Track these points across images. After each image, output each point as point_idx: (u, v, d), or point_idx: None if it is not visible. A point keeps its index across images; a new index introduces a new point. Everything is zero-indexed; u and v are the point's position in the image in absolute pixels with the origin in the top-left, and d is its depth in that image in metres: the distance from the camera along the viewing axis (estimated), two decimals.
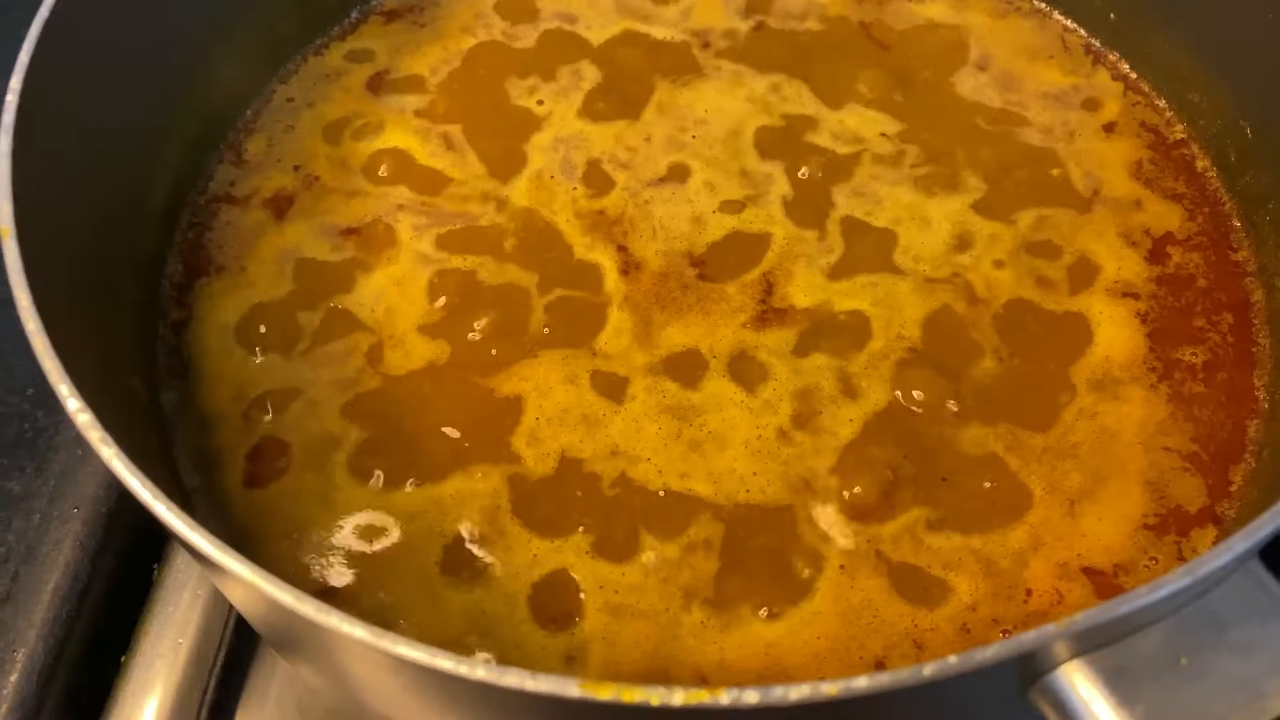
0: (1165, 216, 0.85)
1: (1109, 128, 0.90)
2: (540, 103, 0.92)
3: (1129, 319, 0.80)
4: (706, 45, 0.96)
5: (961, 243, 0.83)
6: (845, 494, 0.72)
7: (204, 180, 0.89)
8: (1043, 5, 0.97)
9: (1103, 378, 0.77)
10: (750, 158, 0.89)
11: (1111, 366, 0.78)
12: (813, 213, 0.85)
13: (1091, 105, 0.91)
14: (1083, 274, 0.82)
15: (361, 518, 0.73)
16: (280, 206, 0.87)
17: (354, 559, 0.71)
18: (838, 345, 0.79)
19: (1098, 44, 0.95)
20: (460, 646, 0.68)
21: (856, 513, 0.72)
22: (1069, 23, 0.96)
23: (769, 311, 0.81)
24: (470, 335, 0.79)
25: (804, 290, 0.82)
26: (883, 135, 0.89)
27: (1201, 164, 0.88)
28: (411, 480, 0.73)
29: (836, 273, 0.82)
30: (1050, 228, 0.84)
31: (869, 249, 0.83)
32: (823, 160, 0.87)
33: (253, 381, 0.78)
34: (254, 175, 0.89)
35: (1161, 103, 0.91)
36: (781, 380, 0.77)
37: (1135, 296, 0.81)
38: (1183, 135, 0.89)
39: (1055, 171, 0.87)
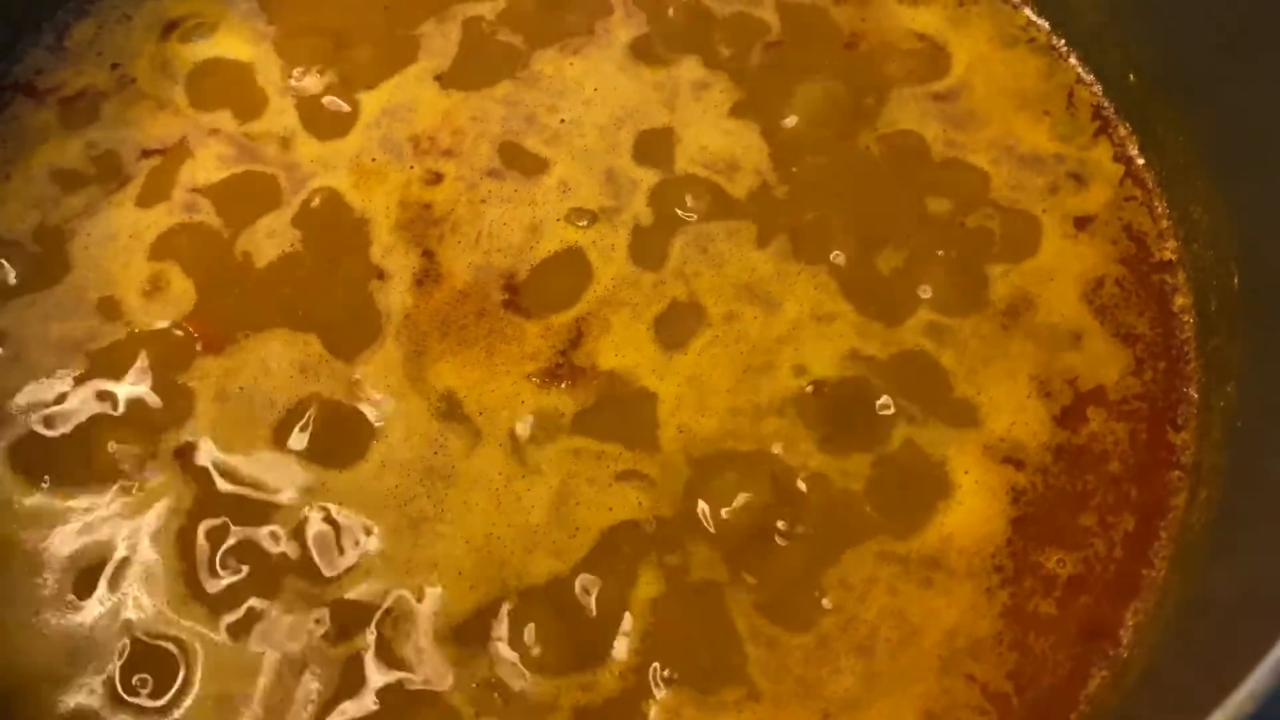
0: (1105, 363, 0.65)
1: (1082, 223, 0.69)
2: (409, 45, 0.77)
3: (998, 492, 0.62)
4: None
5: (814, 341, 0.65)
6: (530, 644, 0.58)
7: (8, 62, 0.77)
8: (1061, 44, 0.75)
9: (931, 557, 0.60)
10: (623, 157, 0.72)
11: (949, 549, 0.60)
12: (657, 254, 0.68)
13: (1072, 186, 0.70)
14: (963, 414, 0.63)
15: None
16: (77, 109, 0.75)
17: None
18: (625, 432, 0.63)
19: (1110, 109, 0.72)
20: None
21: (539, 666, 0.58)
22: (1085, 73, 0.73)
23: (564, 366, 0.65)
24: (183, 320, 0.67)
25: (615, 347, 0.66)
26: (764, 166, 0.71)
27: (1181, 300, 0.66)
28: (64, 486, 0.63)
29: (657, 335, 0.66)
30: (947, 341, 0.65)
31: (703, 317, 0.66)
32: (688, 189, 0.70)
33: None
34: (66, 66, 0.77)
35: (1161, 206, 0.69)
36: (546, 466, 0.62)
37: (1019, 465, 0.62)
38: (1172, 256, 0.68)
39: (983, 267, 0.67)
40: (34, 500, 0.62)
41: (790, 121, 0.72)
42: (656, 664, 0.58)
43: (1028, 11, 0.76)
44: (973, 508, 0.61)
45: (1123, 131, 0.71)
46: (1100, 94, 0.73)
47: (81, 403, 0.65)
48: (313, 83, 0.75)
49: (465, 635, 0.59)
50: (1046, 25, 0.75)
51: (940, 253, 0.67)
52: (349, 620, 0.59)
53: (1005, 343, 0.65)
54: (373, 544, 0.61)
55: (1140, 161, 0.70)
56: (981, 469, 0.62)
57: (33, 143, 0.74)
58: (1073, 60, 0.74)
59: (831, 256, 0.67)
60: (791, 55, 0.75)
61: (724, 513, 0.61)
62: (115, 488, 0.62)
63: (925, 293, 0.66)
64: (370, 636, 0.58)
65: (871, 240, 0.68)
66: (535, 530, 0.61)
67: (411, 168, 0.72)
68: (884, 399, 0.63)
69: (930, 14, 0.76)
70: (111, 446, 0.63)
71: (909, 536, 0.60)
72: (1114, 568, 0.60)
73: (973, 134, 0.71)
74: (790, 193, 0.69)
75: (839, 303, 0.66)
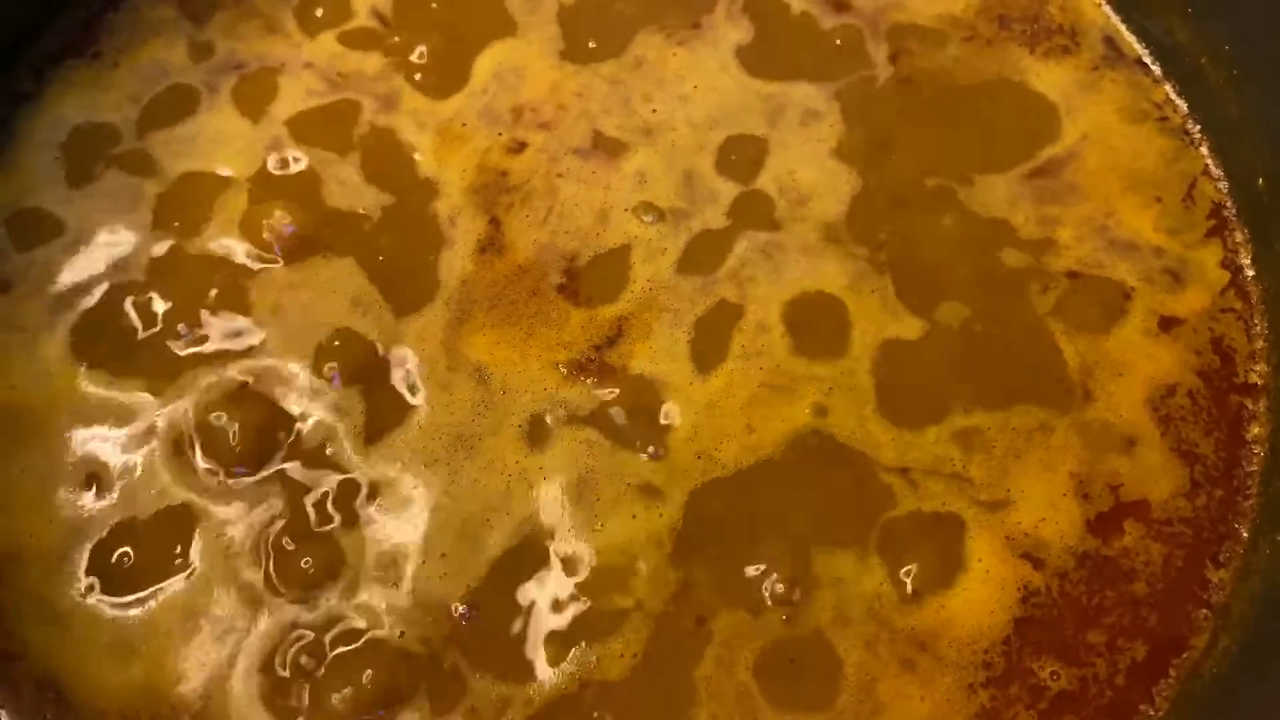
0: (1157, 477, 0.61)
1: (1168, 324, 0.64)
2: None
3: (1008, 587, 0.58)
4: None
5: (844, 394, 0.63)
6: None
7: None
8: (1195, 130, 0.70)
9: (920, 636, 0.57)
10: (707, 160, 0.70)
11: (942, 633, 0.57)
12: (712, 261, 0.67)
13: (1165, 283, 0.65)
14: (988, 499, 0.60)
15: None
16: (193, 11, 0.76)
17: None
18: (640, 439, 0.62)
19: (1231, 210, 0.67)
20: None
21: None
22: (1214, 165, 0.68)
23: (594, 362, 0.64)
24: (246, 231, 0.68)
25: (649, 354, 0.64)
26: (840, 207, 0.68)
27: (1257, 430, 0.62)
28: (107, 372, 0.64)
29: (694, 350, 0.64)
30: (988, 419, 0.62)
31: (740, 338, 0.64)
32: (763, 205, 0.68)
33: (36, 191, 0.70)
34: None
35: (1260, 326, 0.64)
36: (557, 464, 0.61)
37: (1038, 564, 0.59)
38: (1259, 380, 0.63)
39: (1045, 345, 0.63)
40: (76, 381, 0.64)
41: (884, 172, 0.69)
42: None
43: (1168, 88, 0.71)
44: (977, 598, 0.58)
45: (1239, 237, 0.67)
46: (1225, 191, 0.68)
47: (136, 298, 0.67)
48: (425, 30, 0.75)
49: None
50: (1184, 106, 0.70)
51: (1001, 322, 0.64)
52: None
53: (1050, 432, 0.61)
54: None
55: (1249, 273, 0.65)
56: (997, 558, 0.59)
57: (146, 35, 0.75)
58: (1203, 149, 0.69)
59: (881, 302, 0.65)
60: (903, 103, 0.71)
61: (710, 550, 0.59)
62: (151, 380, 0.64)
63: (975, 365, 0.63)
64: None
65: (932, 295, 0.65)
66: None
67: (500, 134, 0.71)
68: (905, 461, 0.61)
69: (1061, 71, 0.72)
70: (153, 341, 0.65)
71: (905, 605, 0.58)
72: (1110, 695, 0.56)
73: (1068, 207, 0.67)
74: (861, 233, 0.67)
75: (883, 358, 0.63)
